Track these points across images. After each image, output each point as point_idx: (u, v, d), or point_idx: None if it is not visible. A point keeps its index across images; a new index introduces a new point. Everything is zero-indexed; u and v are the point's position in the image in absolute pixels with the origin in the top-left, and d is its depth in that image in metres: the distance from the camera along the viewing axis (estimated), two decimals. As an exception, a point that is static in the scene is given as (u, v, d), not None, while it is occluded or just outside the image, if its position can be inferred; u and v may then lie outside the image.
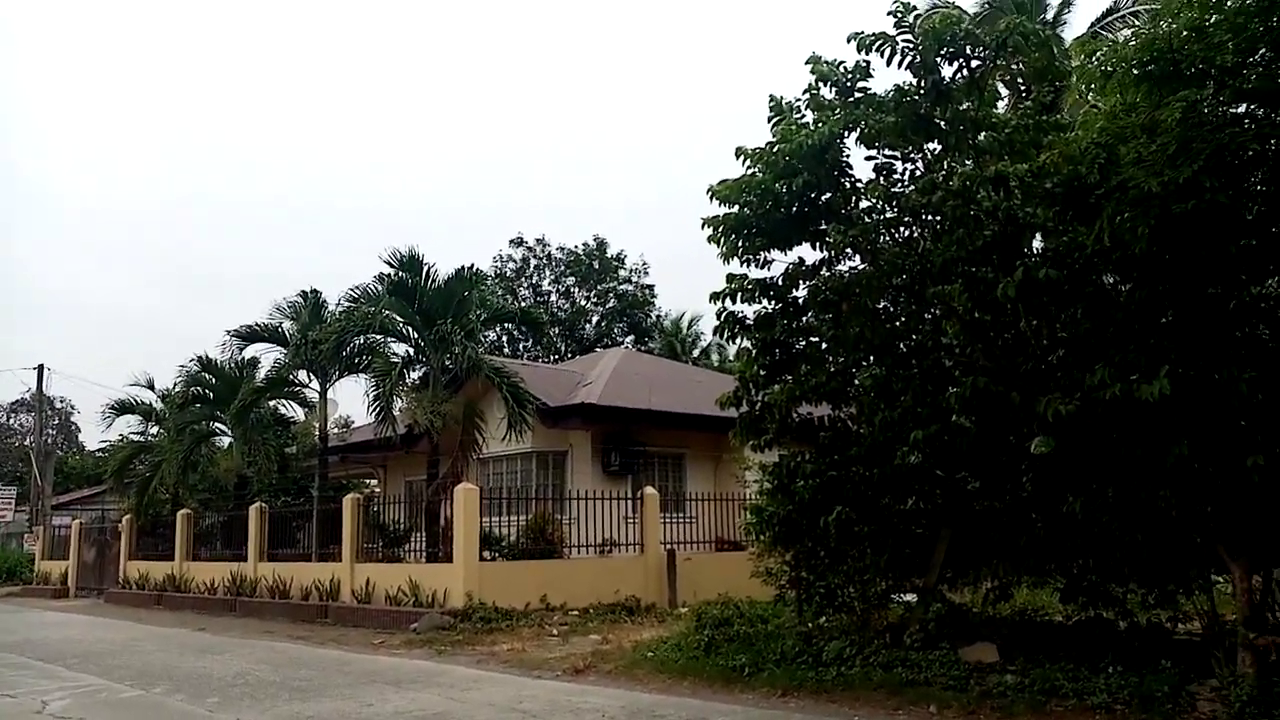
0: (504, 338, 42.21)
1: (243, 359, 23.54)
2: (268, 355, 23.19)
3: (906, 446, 8.73)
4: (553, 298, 46.00)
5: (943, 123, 8.02)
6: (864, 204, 8.73)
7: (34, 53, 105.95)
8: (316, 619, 17.08)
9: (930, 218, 8.28)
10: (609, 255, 46.30)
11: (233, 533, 22.68)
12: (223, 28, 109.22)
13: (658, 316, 46.18)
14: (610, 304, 46.06)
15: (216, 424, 24.47)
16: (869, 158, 8.73)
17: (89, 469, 51.19)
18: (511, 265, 45.90)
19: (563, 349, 44.44)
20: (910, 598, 10.46)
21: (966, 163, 8.33)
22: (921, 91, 7.79)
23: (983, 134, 8.21)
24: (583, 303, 46.27)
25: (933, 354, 9.33)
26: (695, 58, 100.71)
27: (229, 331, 22.65)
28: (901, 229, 8.89)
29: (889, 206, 8.48)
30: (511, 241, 46.12)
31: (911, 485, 9.70)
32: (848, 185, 8.63)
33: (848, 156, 8.60)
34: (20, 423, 60.14)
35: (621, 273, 46.42)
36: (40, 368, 39.37)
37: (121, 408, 26.88)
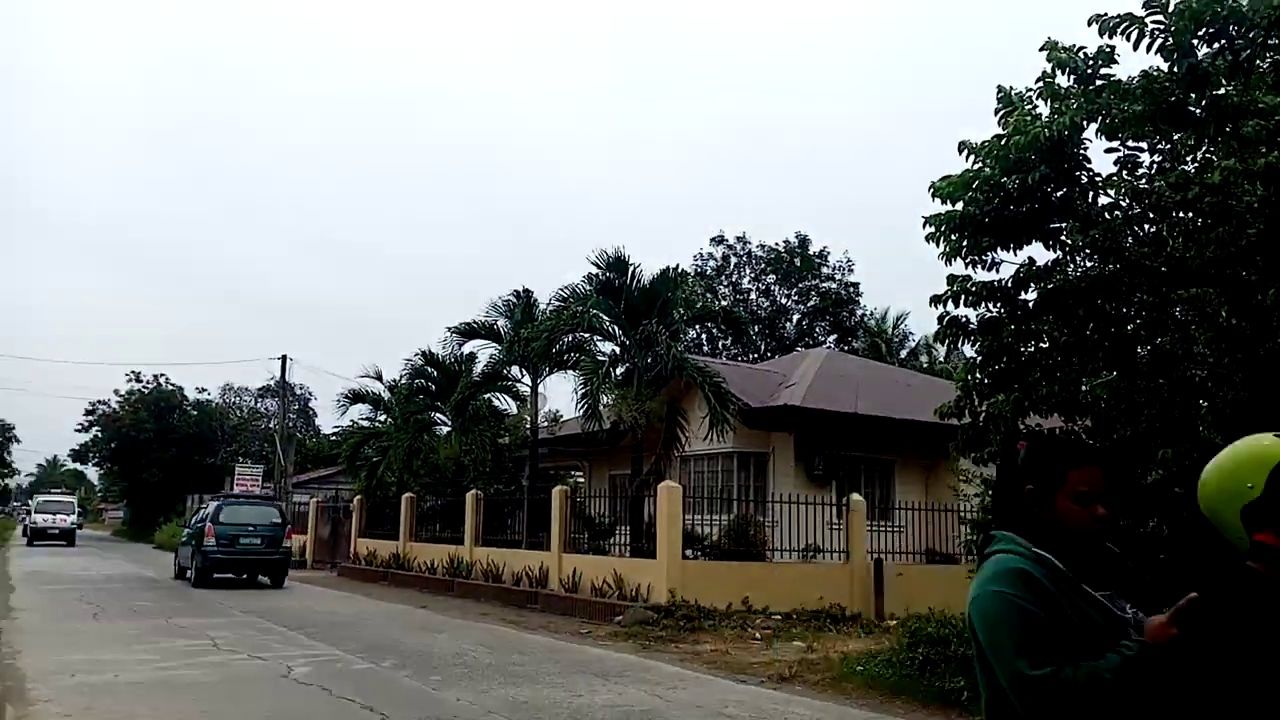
0: (703, 335, 42.40)
1: (461, 354, 24.99)
2: (484, 351, 24.48)
3: (1151, 464, 8.00)
4: (752, 296, 45.74)
5: (1197, 110, 7.27)
6: (1103, 200, 8.07)
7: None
8: (526, 604, 17.79)
9: (1182, 215, 7.54)
10: (811, 253, 45.53)
11: (450, 517, 24.03)
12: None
13: (862, 315, 44.97)
14: (812, 302, 45.29)
15: (438, 414, 26.05)
16: (1109, 150, 8.07)
17: (324, 450, 55.77)
18: (712, 263, 46.02)
19: (762, 348, 44.13)
20: (1153, 622, 9.63)
21: (1228, 156, 7.53)
22: (1174, 77, 7.09)
23: (1250, 122, 7.39)
24: (783, 301, 45.76)
25: (1182, 364, 8.52)
26: (899, 57, 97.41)
27: (449, 328, 24.08)
28: (1147, 226, 8.16)
29: (1136, 203, 7.80)
30: (712, 240, 46.25)
31: (1152, 506, 8.92)
32: (1084, 180, 8.00)
33: (1085, 149, 7.99)
34: (266, 406, 66.40)
35: (824, 270, 45.54)
36: (283, 358, 43.11)
37: (354, 397, 29.13)
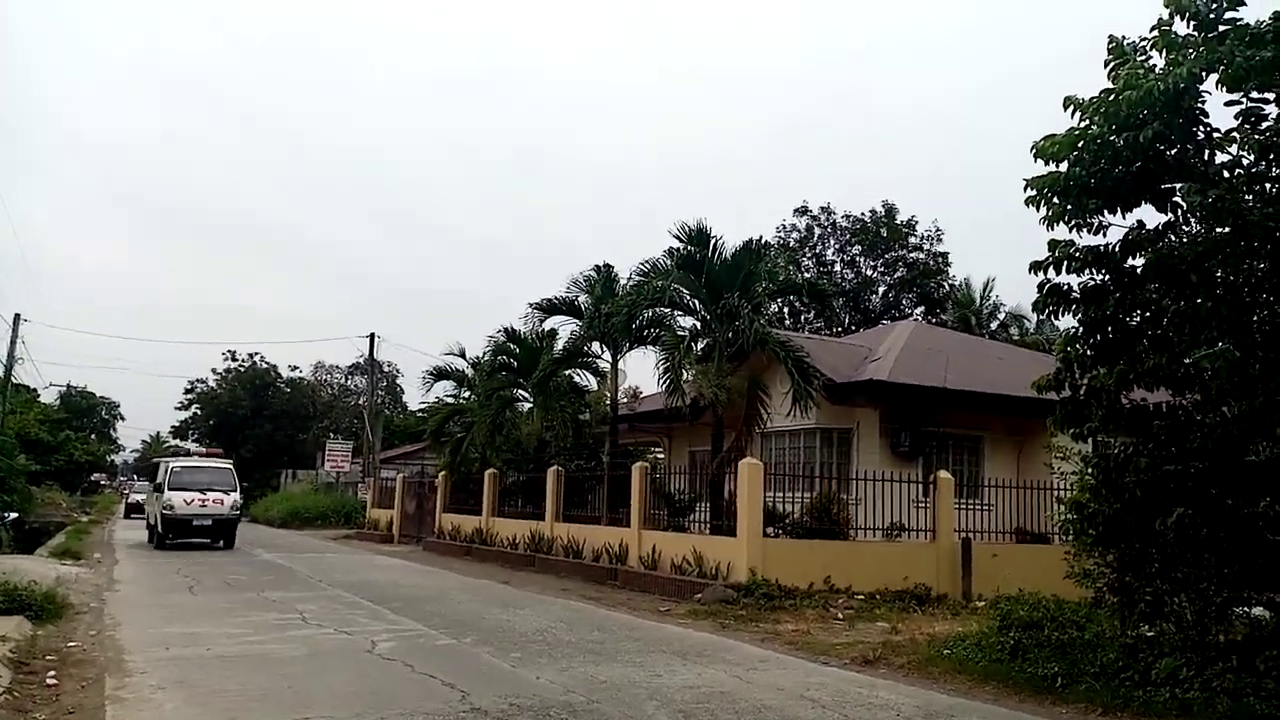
0: (786, 309, 41.75)
1: (542, 330, 25.02)
2: (565, 327, 24.47)
3: (1267, 440, 7.44)
4: (837, 267, 44.85)
5: (1337, 53, 6.62)
6: (1221, 158, 7.46)
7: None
8: (606, 580, 17.76)
9: (1313, 172, 6.91)
10: (898, 222, 44.35)
11: (532, 492, 24.18)
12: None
13: (951, 286, 43.65)
14: (899, 273, 44.16)
15: (519, 391, 26.18)
16: (1229, 102, 7.43)
17: (411, 426, 56.96)
18: (795, 235, 45.27)
19: (847, 321, 43.27)
20: (1259, 612, 9.06)
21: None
22: (1312, 18, 6.46)
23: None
24: (869, 272, 44.74)
25: (1305, 335, 7.88)
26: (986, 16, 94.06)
27: (531, 304, 24.16)
28: (1269, 185, 7.52)
29: (1260, 159, 7.17)
30: (796, 210, 45.48)
31: (1266, 484, 8.33)
32: (1201, 136, 7.40)
33: (1203, 103, 7.38)
34: (355, 384, 68.05)
35: (912, 240, 44.34)
36: (371, 336, 44.03)
37: (439, 374, 29.50)
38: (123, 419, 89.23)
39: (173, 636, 10.22)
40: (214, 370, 62.96)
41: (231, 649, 9.61)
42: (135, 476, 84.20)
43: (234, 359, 62.34)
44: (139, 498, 42.49)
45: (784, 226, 45.31)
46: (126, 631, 10.56)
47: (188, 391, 63.89)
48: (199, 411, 63.09)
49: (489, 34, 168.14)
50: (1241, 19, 6.85)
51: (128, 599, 13.73)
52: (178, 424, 66.83)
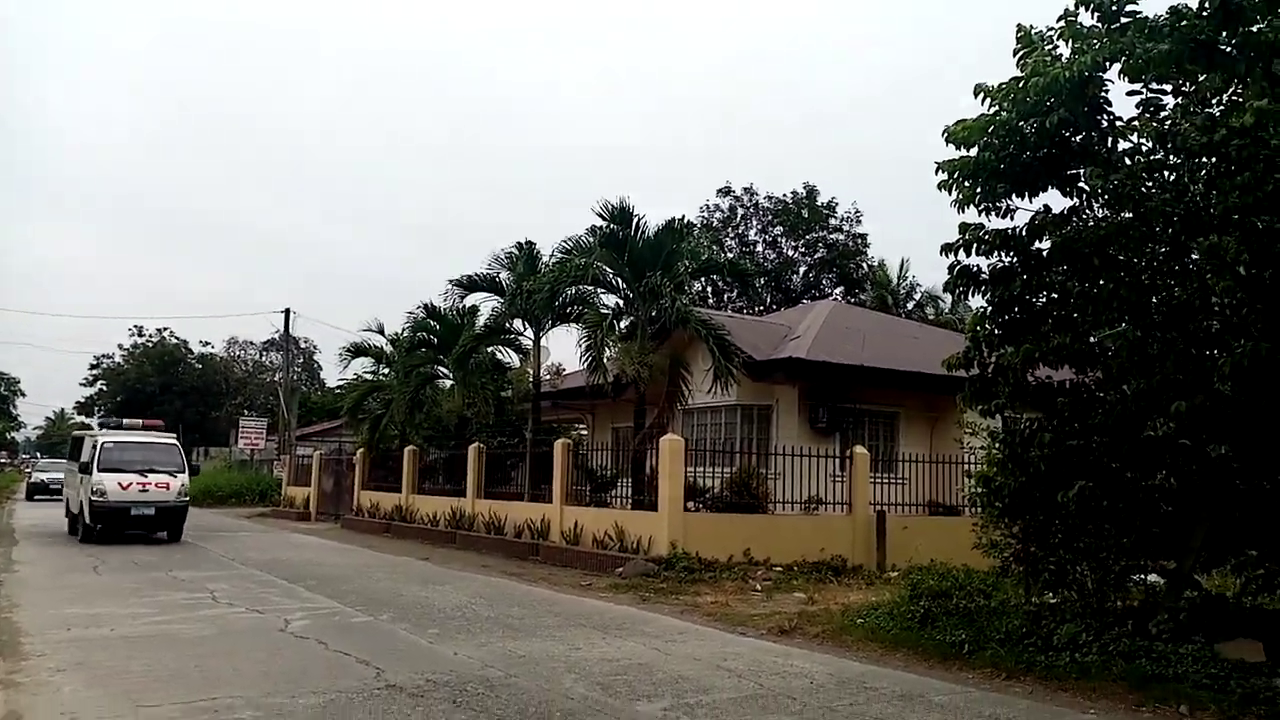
0: (709, 289, 42.00)
1: (463, 307, 24.66)
2: (486, 304, 24.14)
3: (1163, 417, 7.79)
4: (759, 248, 45.28)
5: (1228, 49, 6.92)
6: (1123, 145, 7.75)
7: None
8: (528, 556, 17.75)
9: (1206, 160, 7.22)
10: (819, 204, 44.95)
11: (453, 469, 23.94)
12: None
13: (869, 267, 44.50)
14: (819, 254, 44.82)
15: (440, 368, 25.84)
16: (1131, 92, 7.72)
17: (329, 404, 55.85)
18: (719, 215, 45.50)
19: (768, 300, 43.77)
20: (1154, 578, 9.55)
21: (1260, 97, 7.19)
22: (1205, 13, 6.74)
23: (1282, 61, 7.05)
24: (790, 253, 45.30)
25: (1197, 315, 8.27)
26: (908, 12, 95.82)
27: (451, 281, 23.74)
28: (1167, 173, 7.85)
29: (1158, 146, 7.47)
30: (719, 191, 45.68)
31: (1162, 459, 8.74)
32: (1105, 124, 7.67)
33: (1106, 91, 7.65)
34: (271, 360, 66.41)
35: (832, 221, 45.00)
36: (286, 311, 42.85)
37: (356, 350, 28.93)
38: (24, 395, 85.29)
39: (74, 617, 9.89)
40: (120, 346, 60.92)
41: (137, 629, 9.35)
42: (39, 454, 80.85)
43: (141, 334, 60.30)
44: (43, 476, 40.69)
45: (708, 206, 45.54)
46: (24, 613, 10.17)
47: (93, 367, 61.67)
48: (105, 388, 60.92)
49: (397, 20, 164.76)
50: (1141, 12, 7.12)
51: (26, 580, 13.22)
52: (83, 400, 64.51)
